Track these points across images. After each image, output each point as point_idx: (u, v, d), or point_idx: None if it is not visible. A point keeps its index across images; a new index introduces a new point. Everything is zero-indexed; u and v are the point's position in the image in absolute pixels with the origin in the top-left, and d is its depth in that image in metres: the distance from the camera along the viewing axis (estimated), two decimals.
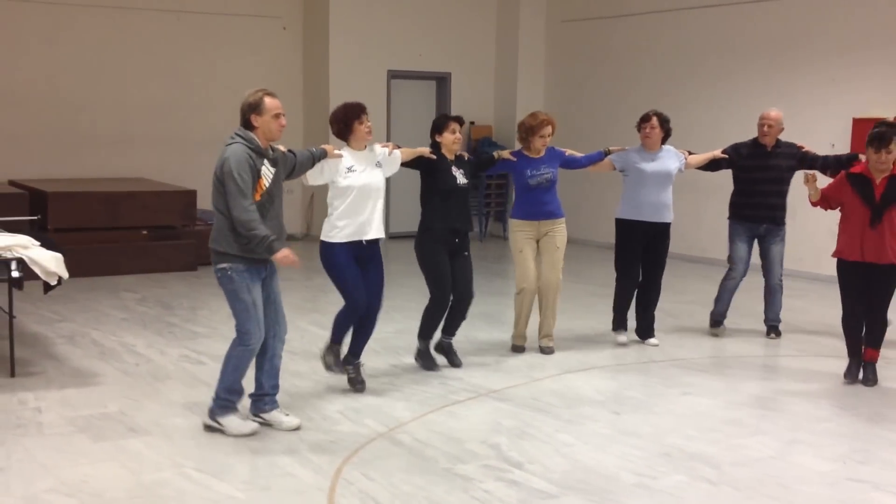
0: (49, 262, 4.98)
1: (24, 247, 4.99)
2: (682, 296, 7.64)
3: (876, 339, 5.19)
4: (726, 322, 6.40)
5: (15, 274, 4.90)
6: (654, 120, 5.84)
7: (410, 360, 5.51)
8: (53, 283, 5.05)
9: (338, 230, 4.64)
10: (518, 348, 5.77)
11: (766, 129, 6.09)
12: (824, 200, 5.28)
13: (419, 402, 4.76)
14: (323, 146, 4.62)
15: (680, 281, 8.28)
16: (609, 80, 10.86)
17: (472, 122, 11.74)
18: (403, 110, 11.38)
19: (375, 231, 4.73)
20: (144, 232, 8.67)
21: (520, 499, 3.56)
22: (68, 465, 3.82)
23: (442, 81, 11.67)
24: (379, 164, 4.79)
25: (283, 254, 4.06)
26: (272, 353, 4.27)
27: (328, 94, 10.81)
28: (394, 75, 11.25)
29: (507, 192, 11.44)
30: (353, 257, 4.67)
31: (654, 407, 4.77)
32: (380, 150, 4.84)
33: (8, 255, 4.91)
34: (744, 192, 6.15)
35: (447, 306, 5.24)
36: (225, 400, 4.18)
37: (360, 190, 4.64)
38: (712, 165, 6.21)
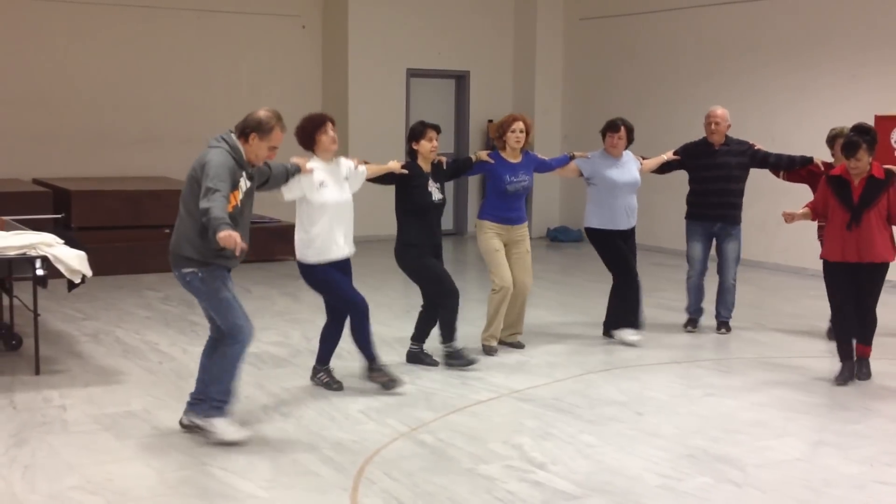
0: (73, 260, 5.02)
1: (49, 245, 5.03)
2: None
3: (866, 336, 5.19)
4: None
5: (39, 272, 4.95)
6: (623, 131, 5.80)
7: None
8: (77, 281, 5.09)
9: (314, 249, 4.58)
10: (491, 349, 5.61)
11: (713, 127, 6.05)
12: (817, 214, 5.31)
13: (441, 401, 4.75)
14: (295, 161, 4.53)
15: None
16: (628, 78, 10.79)
17: (489, 121, 11.70)
18: (423, 109, 11.36)
19: (348, 248, 4.70)
20: (167, 231, 8.69)
21: (543, 500, 3.54)
22: (93, 462, 3.84)
23: (461, 80, 11.65)
24: (346, 179, 4.71)
25: (223, 234, 3.69)
26: (221, 356, 4.08)
27: (347, 93, 10.84)
28: (413, 74, 11.25)
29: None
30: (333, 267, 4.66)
31: (678, 407, 4.73)
32: (345, 163, 4.74)
33: (32, 253, 4.96)
34: (697, 192, 6.14)
35: (457, 301, 5.21)
36: (220, 402, 4.05)
37: (334, 206, 4.58)
38: (664, 168, 6.16)
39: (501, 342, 5.71)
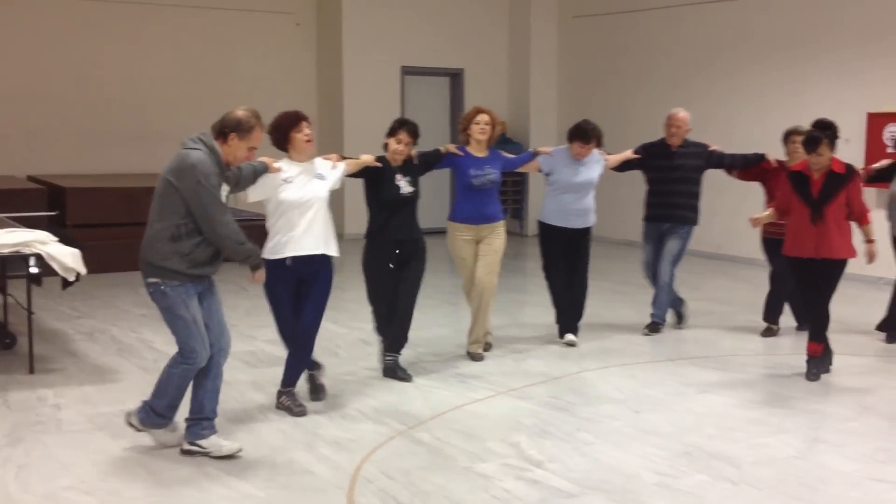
0: (67, 257, 4.99)
1: (43, 242, 5.01)
2: (698, 292, 7.58)
3: (816, 332, 5.20)
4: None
5: (33, 270, 4.93)
6: (594, 144, 5.70)
7: (430, 357, 5.50)
8: (71, 279, 5.06)
9: (278, 248, 4.34)
10: (478, 357, 5.54)
11: (673, 130, 6.05)
12: (781, 213, 5.31)
13: (439, 400, 4.75)
14: (263, 159, 4.30)
15: (696, 278, 8.23)
16: (622, 76, 10.80)
17: None
18: (418, 107, 11.35)
19: (313, 245, 4.35)
20: None
21: (540, 498, 3.54)
22: (87, 462, 3.83)
23: (455, 78, 11.64)
24: (320, 177, 4.46)
25: (260, 272, 3.93)
26: (216, 371, 3.89)
27: (342, 91, 10.82)
28: (407, 71, 11.23)
29: (524, 190, 11.40)
30: (295, 279, 4.37)
31: (674, 405, 4.73)
32: (321, 162, 4.53)
33: (26, 250, 4.93)
34: (654, 193, 6.15)
35: (384, 321, 5.00)
36: (163, 417, 3.89)
37: (295, 204, 4.32)
38: (623, 166, 6.13)
39: (470, 354, 5.52)
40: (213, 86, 10.31)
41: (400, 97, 11.11)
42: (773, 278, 6.18)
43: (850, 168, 5.13)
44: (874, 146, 8.23)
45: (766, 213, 5.40)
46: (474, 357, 5.50)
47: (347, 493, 3.56)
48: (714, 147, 6.19)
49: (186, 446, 3.88)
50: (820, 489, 3.66)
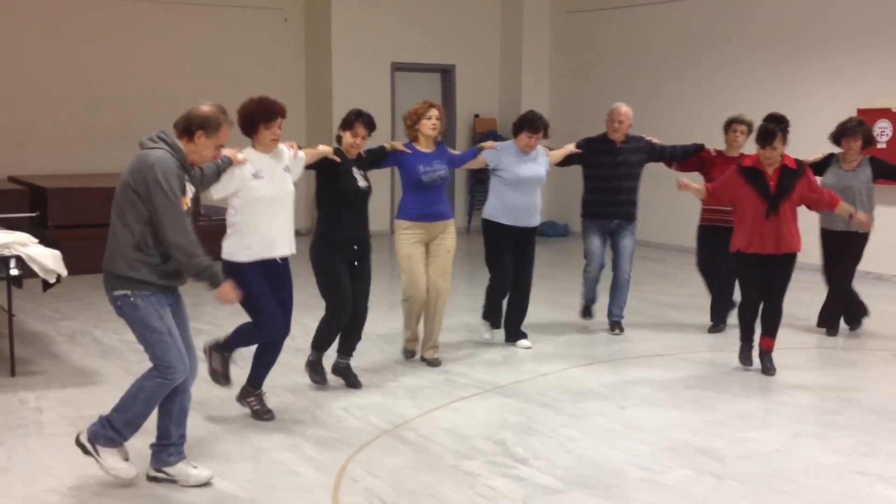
0: (47, 259, 4.95)
1: (23, 244, 4.97)
2: (685, 289, 7.60)
3: (773, 327, 5.21)
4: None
5: (14, 272, 4.88)
6: (542, 133, 5.58)
7: (417, 355, 5.47)
8: (52, 280, 5.02)
9: (245, 248, 4.09)
10: (410, 353, 5.39)
11: (616, 125, 5.99)
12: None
13: (424, 398, 4.74)
14: (225, 152, 3.98)
15: (683, 273, 8.23)
16: (614, 71, 10.79)
17: (476, 115, 11.69)
18: (408, 103, 11.25)
19: (287, 247, 4.21)
20: None
21: (525, 494, 3.53)
22: (69, 465, 3.79)
23: (446, 74, 11.61)
24: (287, 169, 4.25)
25: (227, 289, 3.49)
26: (184, 393, 3.61)
27: (331, 88, 10.77)
28: (398, 68, 11.19)
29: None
30: (265, 276, 4.17)
31: (659, 401, 4.74)
32: (286, 151, 4.29)
33: (6, 252, 4.89)
34: (596, 190, 6.00)
35: (346, 320, 4.73)
36: (119, 434, 3.51)
37: (269, 200, 4.11)
38: (565, 160, 6.05)
39: (422, 358, 5.36)
40: (199, 83, 10.23)
41: (390, 93, 11.07)
42: (705, 269, 6.17)
43: (799, 162, 5.15)
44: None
45: (697, 186, 5.28)
46: (432, 363, 5.28)
47: (333, 492, 3.55)
48: (653, 140, 6.16)
49: (152, 473, 3.62)
50: (803, 482, 3.66)
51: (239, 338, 4.33)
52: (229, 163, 4.04)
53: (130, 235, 3.39)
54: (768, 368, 5.19)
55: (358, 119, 4.71)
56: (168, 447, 3.62)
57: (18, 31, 9.51)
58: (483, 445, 4.06)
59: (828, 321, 6.16)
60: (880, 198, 8.38)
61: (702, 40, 9.85)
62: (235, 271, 4.06)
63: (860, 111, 8.28)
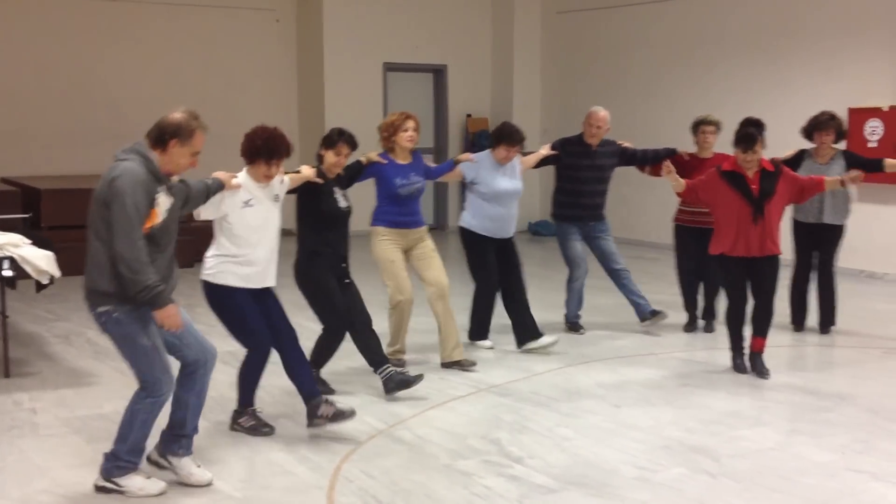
0: (40, 260, 4.94)
1: (16, 245, 4.96)
2: (674, 287, 7.60)
3: (764, 327, 5.20)
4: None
5: (7, 273, 4.86)
6: (521, 147, 5.59)
7: (412, 356, 5.47)
8: (45, 281, 5.01)
9: (230, 274, 4.00)
10: (399, 363, 5.21)
11: (595, 129, 6.00)
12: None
13: (419, 398, 4.73)
14: (217, 175, 3.94)
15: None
16: (605, 71, 10.82)
17: (468, 115, 11.70)
18: (400, 104, 11.28)
19: (271, 278, 4.11)
20: None
21: (520, 494, 3.54)
22: (63, 466, 3.79)
23: (438, 74, 11.62)
24: (276, 198, 4.15)
25: (170, 312, 3.31)
26: (200, 387, 3.59)
27: (323, 88, 10.77)
28: (390, 68, 11.19)
29: None
30: (251, 297, 4.07)
31: (654, 399, 4.75)
32: (277, 178, 4.16)
33: None
34: (570, 192, 6.00)
35: (343, 336, 4.72)
36: (127, 462, 3.49)
37: (260, 229, 4.02)
38: (539, 163, 6.04)
39: (451, 364, 5.21)
40: (191, 84, 10.23)
41: (382, 94, 11.07)
42: (684, 271, 6.18)
43: (775, 163, 5.18)
44: (856, 141, 8.29)
45: (679, 179, 5.25)
46: (467, 365, 5.20)
47: (328, 492, 3.55)
48: (625, 144, 6.18)
49: (155, 456, 3.62)
50: (798, 480, 3.68)
51: (245, 383, 4.22)
52: (221, 186, 3.93)
53: (106, 249, 3.31)
54: (762, 371, 5.15)
55: (341, 138, 4.63)
56: (181, 439, 3.62)
57: (11, 32, 9.49)
58: (478, 445, 4.07)
59: (822, 317, 6.19)
60: (871, 197, 8.47)
61: (692, 40, 9.88)
62: (215, 292, 4.03)
63: (851, 110, 8.33)
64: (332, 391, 4.75)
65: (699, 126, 6.07)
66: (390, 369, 4.70)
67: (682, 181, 5.26)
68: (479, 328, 5.75)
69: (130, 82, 10.01)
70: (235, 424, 4.23)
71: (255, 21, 10.81)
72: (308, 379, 4.20)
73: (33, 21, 9.59)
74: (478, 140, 11.16)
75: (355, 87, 10.81)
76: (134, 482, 3.49)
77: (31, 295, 5.78)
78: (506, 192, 5.55)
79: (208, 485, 3.58)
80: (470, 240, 5.61)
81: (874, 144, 8.13)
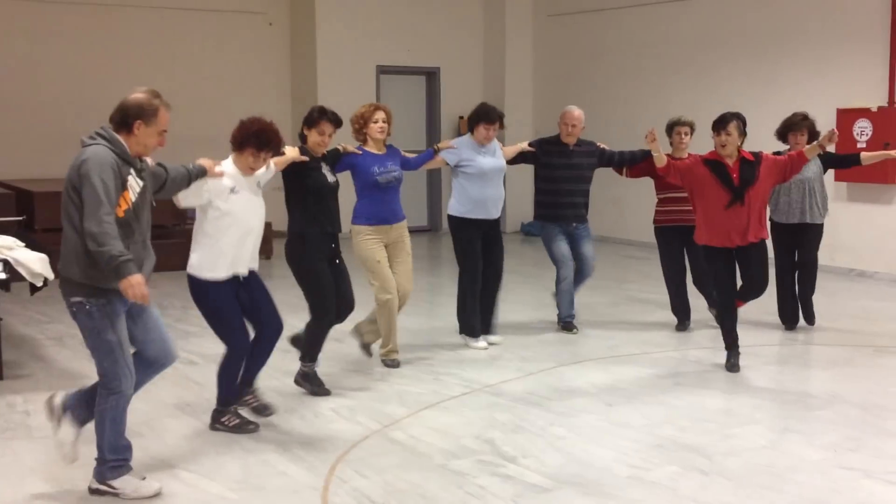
0: (34, 263, 4.94)
1: (9, 248, 4.95)
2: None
3: (748, 296, 5.26)
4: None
5: (0, 276, 4.86)
6: (498, 125, 5.62)
7: (406, 355, 5.49)
8: (39, 284, 5.00)
9: (211, 264, 3.96)
10: (394, 362, 5.26)
11: (570, 128, 6.04)
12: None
13: (413, 398, 4.75)
14: (201, 162, 3.90)
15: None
16: (596, 74, 10.87)
17: (461, 117, 11.72)
18: (393, 106, 11.23)
19: (253, 263, 4.11)
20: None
21: (514, 493, 3.55)
22: (57, 468, 3.77)
23: (431, 76, 11.65)
24: (259, 185, 4.13)
25: (135, 281, 3.20)
26: (141, 385, 3.58)
27: (316, 91, 10.77)
28: (383, 70, 11.21)
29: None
30: (234, 293, 4.06)
31: (647, 398, 4.77)
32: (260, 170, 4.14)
33: None
34: (551, 192, 6.03)
35: (332, 320, 4.70)
36: (114, 461, 3.45)
37: (244, 217, 4.00)
38: (516, 157, 6.06)
39: (386, 362, 5.28)
40: (185, 88, 10.21)
41: (376, 96, 11.09)
42: (670, 273, 6.21)
43: (756, 153, 5.21)
44: (844, 141, 8.35)
45: (663, 153, 5.25)
46: (393, 363, 5.24)
47: (322, 493, 3.56)
48: (602, 145, 6.22)
49: (94, 485, 3.48)
50: (789, 478, 3.70)
51: (225, 381, 4.16)
52: (203, 172, 3.88)
53: (80, 237, 3.27)
54: (734, 365, 5.18)
55: (322, 117, 4.63)
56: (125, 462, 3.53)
57: (4, 38, 9.47)
58: (472, 444, 4.08)
59: (805, 312, 6.28)
60: (861, 196, 8.53)
61: (684, 43, 9.93)
62: (199, 286, 4.02)
63: (840, 111, 8.40)
64: (327, 392, 4.77)
65: (674, 127, 6.15)
66: (313, 367, 4.73)
67: (664, 155, 5.27)
68: (468, 324, 5.75)
69: (124, 86, 9.75)
70: (217, 424, 4.20)
71: (248, 25, 10.81)
72: (252, 377, 4.21)
73: (26, 25, 9.58)
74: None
75: (348, 90, 10.81)
76: (128, 484, 3.47)
77: (25, 297, 5.77)
78: (491, 169, 5.61)
79: (157, 494, 3.50)
80: (456, 226, 5.64)
81: (863, 145, 8.18)
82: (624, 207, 10.08)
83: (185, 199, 3.92)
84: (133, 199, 3.35)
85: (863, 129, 8.29)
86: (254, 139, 3.98)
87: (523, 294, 6.56)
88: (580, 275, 6.19)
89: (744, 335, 6.15)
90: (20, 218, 7.54)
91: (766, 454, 3.98)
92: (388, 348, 5.29)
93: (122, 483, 3.47)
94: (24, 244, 5.10)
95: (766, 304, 6.35)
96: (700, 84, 9.73)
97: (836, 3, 8.58)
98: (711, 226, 5.11)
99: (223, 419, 4.20)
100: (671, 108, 9.65)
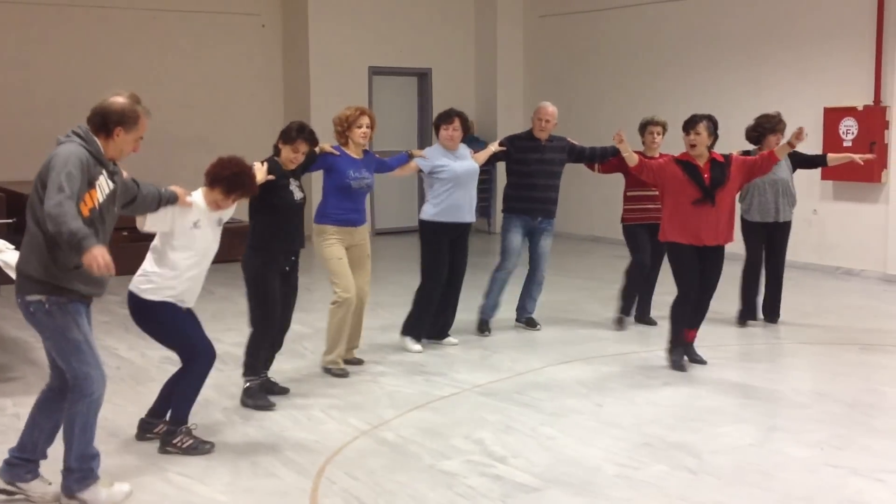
0: None
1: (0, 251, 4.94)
2: (657, 286, 7.66)
3: (700, 320, 5.32)
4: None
5: None
6: (457, 122, 5.66)
7: (395, 357, 5.50)
8: None
9: (166, 290, 3.92)
10: (342, 372, 5.12)
11: (543, 123, 6.08)
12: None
13: (403, 399, 4.76)
14: (173, 188, 3.84)
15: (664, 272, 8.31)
16: (587, 74, 10.90)
17: None
18: (386, 107, 11.36)
19: (195, 297, 4.08)
20: (125, 233, 8.59)
21: (503, 493, 3.57)
22: (48, 471, 3.74)
23: (423, 77, 11.66)
24: (220, 222, 4.10)
25: (97, 252, 3.03)
26: (62, 412, 3.41)
27: (308, 92, 10.78)
28: (375, 72, 11.23)
29: (492, 187, 11.45)
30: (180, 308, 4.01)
31: (636, 398, 4.80)
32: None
33: None
34: (520, 185, 6.06)
35: (272, 335, 4.69)
36: (81, 471, 3.34)
37: (201, 251, 3.97)
38: (490, 159, 6.10)
39: (348, 361, 5.25)
40: (178, 89, 10.22)
41: (368, 97, 11.10)
42: (635, 269, 6.25)
43: (726, 155, 5.26)
44: (831, 140, 8.41)
45: (633, 151, 5.27)
46: (341, 373, 5.10)
47: (311, 495, 3.57)
48: (573, 140, 6.27)
49: (64, 501, 3.37)
50: (777, 476, 3.72)
51: (184, 397, 4.03)
52: (174, 199, 3.83)
53: (42, 232, 3.16)
54: (700, 359, 5.26)
55: (300, 136, 4.60)
56: (29, 463, 3.45)
57: None
58: (461, 445, 4.09)
59: (771, 310, 6.38)
60: (846, 195, 8.58)
61: (674, 43, 9.97)
62: (143, 307, 3.94)
63: (826, 110, 8.46)
64: (285, 390, 4.75)
65: (647, 126, 6.21)
66: (256, 381, 4.63)
67: (636, 155, 5.31)
68: (416, 328, 5.70)
69: (117, 87, 9.94)
70: (169, 447, 3.97)
71: (240, 26, 10.81)
72: (188, 403, 4.04)
73: (18, 27, 9.55)
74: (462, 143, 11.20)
75: (341, 91, 10.82)
76: (98, 495, 3.37)
77: (15, 300, 5.76)
78: (465, 172, 5.65)
79: (129, 495, 3.48)
80: (428, 232, 5.63)
81: (849, 143, 8.24)
82: (616, 207, 10.08)
83: (151, 223, 3.85)
84: (101, 200, 3.27)
85: (849, 128, 8.35)
86: (227, 182, 3.94)
87: (513, 295, 6.55)
88: (533, 277, 6.23)
89: (731, 334, 6.23)
90: (10, 220, 7.52)
91: (754, 452, 4.01)
92: (335, 353, 5.14)
93: (92, 495, 3.35)
94: (13, 247, 5.09)
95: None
96: (690, 83, 9.77)
97: (822, 4, 8.64)
98: (681, 224, 5.14)
99: (175, 441, 3.99)
100: (660, 107, 9.69)
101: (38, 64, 9.65)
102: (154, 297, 3.92)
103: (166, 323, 3.96)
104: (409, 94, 11.71)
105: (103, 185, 3.29)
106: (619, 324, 6.31)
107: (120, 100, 3.36)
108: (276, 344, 4.82)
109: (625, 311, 6.34)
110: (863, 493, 3.57)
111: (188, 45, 10.44)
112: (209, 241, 4.00)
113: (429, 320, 5.72)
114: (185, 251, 3.91)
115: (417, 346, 5.70)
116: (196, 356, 4.00)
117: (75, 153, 3.20)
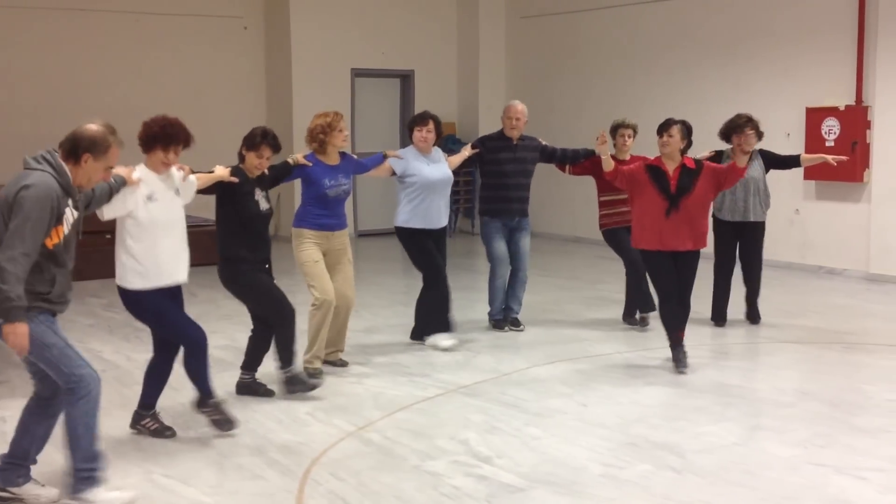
0: None
1: None
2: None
3: (684, 321, 5.34)
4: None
5: None
6: (431, 124, 5.69)
7: (380, 358, 5.50)
8: None
9: (139, 274, 3.92)
10: (316, 372, 5.01)
11: (514, 122, 6.10)
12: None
13: (388, 400, 4.76)
14: (118, 171, 3.79)
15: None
16: (568, 75, 10.95)
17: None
18: (368, 109, 11.36)
19: (182, 272, 4.05)
20: (109, 236, 8.51)
21: (488, 493, 3.57)
22: (34, 474, 3.73)
23: (405, 79, 11.67)
24: (177, 192, 4.06)
25: (20, 330, 3.09)
26: (52, 420, 3.47)
27: (291, 94, 10.75)
28: (358, 73, 11.22)
29: (475, 189, 11.49)
30: (167, 296, 4.04)
31: (620, 397, 4.82)
32: (176, 173, 4.09)
33: None
34: (495, 187, 6.08)
35: (295, 321, 4.70)
36: (87, 471, 3.36)
37: (163, 224, 3.94)
38: (463, 164, 6.12)
39: (325, 361, 5.19)
40: (160, 92, 10.13)
41: (350, 99, 11.09)
42: (631, 268, 6.26)
43: (698, 161, 5.29)
44: (814, 139, 8.49)
45: (608, 157, 5.27)
46: (315, 373, 4.98)
47: (297, 496, 3.56)
48: (544, 141, 6.30)
49: (68, 501, 3.41)
50: (761, 475, 3.75)
51: (149, 385, 4.18)
52: (123, 183, 3.84)
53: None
54: (685, 360, 5.25)
55: (264, 141, 4.55)
56: (20, 468, 3.48)
57: None
58: (446, 445, 4.10)
59: (750, 312, 6.41)
60: (829, 194, 8.67)
61: (654, 43, 10.03)
62: (131, 299, 3.98)
63: (808, 110, 8.54)
64: (270, 392, 4.78)
65: (617, 129, 6.24)
66: (291, 372, 4.70)
67: (612, 161, 5.33)
68: (435, 324, 5.74)
69: (98, 91, 9.90)
70: (139, 426, 4.20)
71: (223, 28, 10.76)
72: (202, 381, 4.17)
73: (3, 31, 9.46)
74: (444, 144, 11.20)
75: (323, 93, 10.79)
76: (102, 497, 3.38)
77: None
78: (438, 180, 5.66)
79: (57, 501, 3.46)
80: (407, 236, 5.68)
81: (831, 143, 8.32)
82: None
83: (108, 212, 3.87)
84: (66, 232, 3.30)
85: (830, 128, 8.43)
86: (160, 136, 3.94)
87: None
88: (516, 277, 6.25)
89: (714, 334, 6.27)
90: None
91: (738, 451, 4.03)
92: (311, 353, 5.07)
93: (95, 496, 3.37)
94: None
95: (734, 302, 6.45)
96: (671, 84, 9.84)
97: (804, 3, 8.71)
98: (648, 230, 5.18)
99: (143, 422, 4.21)
100: (642, 107, 9.78)
101: (19, 67, 9.55)
102: (138, 284, 3.95)
103: (153, 311, 4.02)
104: (392, 96, 11.72)
105: (69, 217, 3.32)
106: (643, 323, 6.30)
107: (93, 127, 3.36)
108: (265, 348, 4.82)
109: (643, 308, 6.31)
110: (846, 491, 3.60)
111: (170, 47, 10.38)
112: (169, 210, 3.99)
113: (447, 310, 5.73)
114: (147, 227, 3.91)
115: (449, 341, 5.71)
116: (187, 341, 4.08)
117: (47, 195, 3.18)
